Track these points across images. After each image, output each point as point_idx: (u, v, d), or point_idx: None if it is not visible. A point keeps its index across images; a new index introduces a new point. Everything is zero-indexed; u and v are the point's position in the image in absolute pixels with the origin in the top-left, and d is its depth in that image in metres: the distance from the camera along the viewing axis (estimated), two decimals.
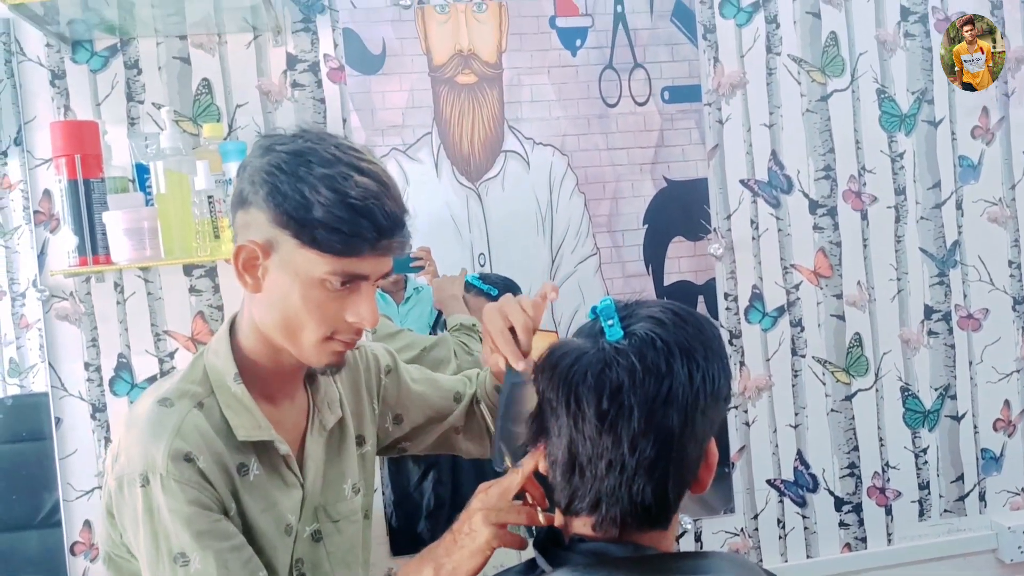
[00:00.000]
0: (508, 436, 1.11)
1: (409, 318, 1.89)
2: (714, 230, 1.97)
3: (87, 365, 1.75)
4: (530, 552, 0.94)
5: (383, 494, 1.84)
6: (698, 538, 1.98)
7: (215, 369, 1.14)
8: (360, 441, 1.32)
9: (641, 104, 1.95)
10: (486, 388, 1.39)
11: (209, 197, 1.55)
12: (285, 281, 1.07)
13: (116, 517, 1.11)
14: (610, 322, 0.89)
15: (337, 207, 1.02)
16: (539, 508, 1.03)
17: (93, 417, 1.76)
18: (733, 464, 1.99)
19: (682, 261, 1.97)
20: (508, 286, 1.88)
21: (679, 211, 1.97)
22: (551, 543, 0.92)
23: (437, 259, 1.86)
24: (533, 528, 0.99)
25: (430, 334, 1.85)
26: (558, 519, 0.94)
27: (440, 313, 1.86)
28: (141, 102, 1.76)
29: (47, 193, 1.73)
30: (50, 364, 1.74)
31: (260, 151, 1.08)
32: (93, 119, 1.71)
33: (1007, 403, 2.11)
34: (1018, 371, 2.11)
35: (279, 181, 1.04)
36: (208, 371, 1.15)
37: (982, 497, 2.12)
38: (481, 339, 1.80)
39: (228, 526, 1.08)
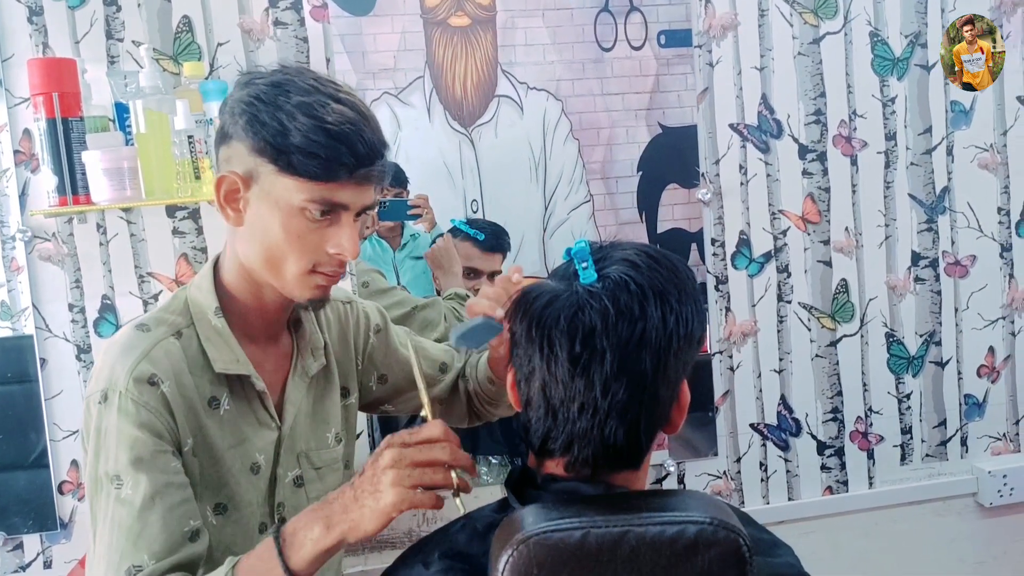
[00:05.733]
0: None
1: (405, 264, 1.89)
2: (702, 175, 1.96)
3: (71, 306, 1.75)
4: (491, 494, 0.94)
5: (370, 437, 1.85)
6: (680, 480, 2.00)
7: (197, 302, 1.16)
8: (345, 393, 1.33)
9: (637, 48, 1.92)
10: (477, 373, 1.39)
11: (189, 137, 1.52)
12: (266, 212, 1.08)
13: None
14: (584, 265, 0.88)
15: (314, 132, 1.03)
16: (457, 472, 0.97)
17: (78, 358, 1.76)
18: (717, 408, 2.01)
19: (676, 208, 1.96)
20: (495, 231, 1.88)
21: (674, 158, 1.95)
22: (524, 483, 0.93)
23: (431, 206, 1.85)
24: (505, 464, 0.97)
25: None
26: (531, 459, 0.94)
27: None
28: (121, 40, 1.72)
29: (27, 132, 1.70)
30: (34, 305, 1.73)
31: (240, 86, 1.10)
32: (72, 57, 1.68)
33: (991, 350, 2.12)
34: (1003, 318, 2.12)
35: (258, 110, 1.05)
36: (190, 304, 1.16)
37: (964, 442, 2.14)
38: None
39: (173, 461, 1.07)
